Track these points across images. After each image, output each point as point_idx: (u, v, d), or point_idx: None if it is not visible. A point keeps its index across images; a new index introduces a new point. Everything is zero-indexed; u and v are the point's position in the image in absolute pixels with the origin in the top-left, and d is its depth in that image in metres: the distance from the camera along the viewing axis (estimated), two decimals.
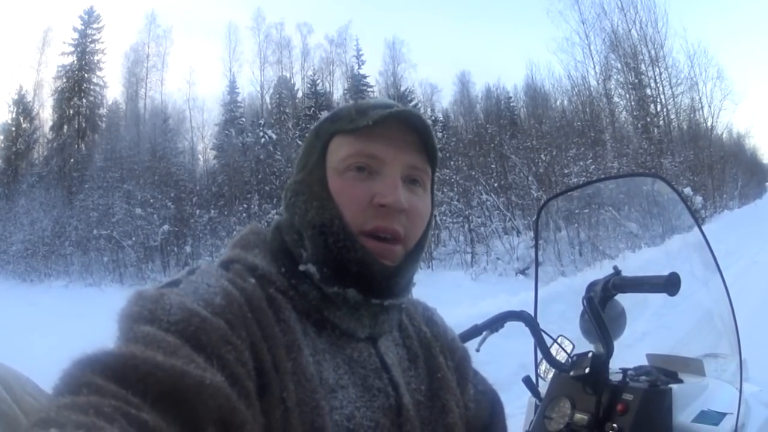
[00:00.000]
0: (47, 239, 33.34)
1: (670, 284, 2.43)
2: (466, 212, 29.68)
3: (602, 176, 29.04)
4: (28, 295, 26.43)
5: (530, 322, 2.88)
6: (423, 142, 1.54)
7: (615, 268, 2.74)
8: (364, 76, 67.40)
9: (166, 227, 30.87)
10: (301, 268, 1.47)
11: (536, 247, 3.89)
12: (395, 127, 1.49)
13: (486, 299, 12.11)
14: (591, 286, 2.71)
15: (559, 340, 2.95)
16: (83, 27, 53.49)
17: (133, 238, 30.58)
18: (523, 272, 26.35)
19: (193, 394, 1.00)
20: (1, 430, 1.38)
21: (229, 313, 1.24)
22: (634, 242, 26.49)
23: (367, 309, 1.50)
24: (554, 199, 4.79)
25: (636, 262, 17.28)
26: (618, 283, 2.65)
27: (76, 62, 52.05)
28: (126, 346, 1.05)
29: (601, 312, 2.55)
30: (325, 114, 1.64)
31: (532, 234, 28.40)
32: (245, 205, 33.96)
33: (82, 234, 32.04)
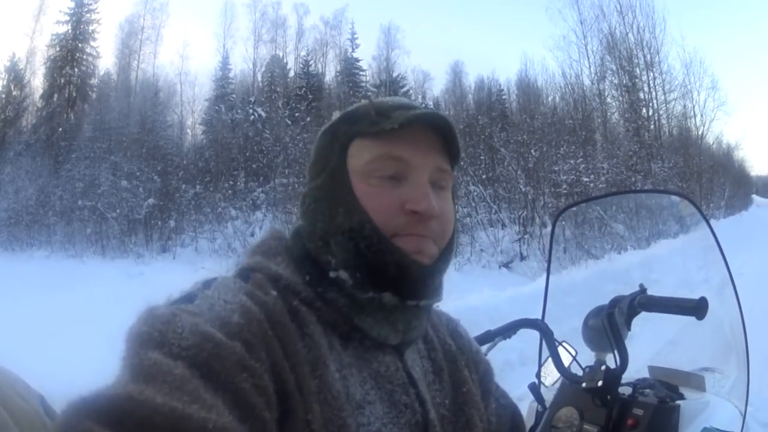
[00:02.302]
0: (31, 208, 33.22)
1: (699, 308, 2.41)
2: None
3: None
4: (9, 265, 26.37)
5: (545, 331, 2.84)
6: (446, 143, 1.51)
7: (641, 285, 2.69)
8: (357, 60, 67.50)
9: (151, 201, 30.85)
10: (332, 275, 1.42)
11: (549, 255, 3.83)
12: (419, 128, 1.47)
13: (473, 293, 12.08)
14: (615, 302, 2.66)
15: (564, 345, 2.92)
16: None
17: (118, 211, 30.49)
18: (506, 265, 26.50)
19: None
20: None
21: (247, 333, 1.19)
22: (619, 244, 26.66)
23: (403, 313, 1.47)
24: (570, 208, 4.77)
25: (620, 264, 17.40)
26: (644, 302, 2.62)
27: (70, 31, 51.66)
28: (124, 386, 1.00)
29: (621, 329, 2.54)
30: (336, 114, 1.60)
31: (517, 228, 28.58)
32: (231, 182, 33.81)
33: (66, 204, 32.00)
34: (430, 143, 1.48)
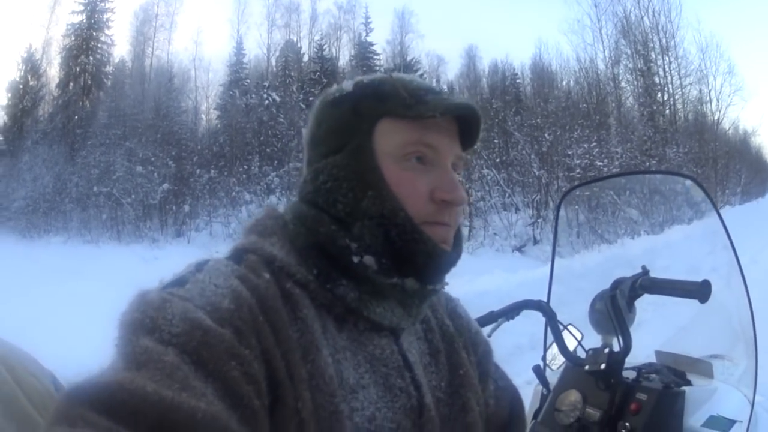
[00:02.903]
0: (48, 196, 33.16)
1: (702, 291, 2.39)
2: (466, 186, 29.06)
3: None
4: (28, 251, 26.41)
5: (548, 313, 2.85)
6: (464, 129, 1.51)
7: (643, 267, 2.67)
8: (371, 44, 66.85)
9: (165, 186, 30.80)
10: (355, 260, 1.39)
11: (555, 235, 3.84)
12: (449, 116, 1.45)
13: (484, 276, 12.09)
14: (617, 284, 2.65)
15: (569, 328, 2.92)
16: None
17: (133, 196, 30.46)
18: (519, 249, 26.51)
19: (183, 429, 0.97)
20: (3, 412, 1.37)
21: (237, 320, 1.19)
22: (633, 229, 26.58)
23: (420, 297, 1.47)
24: (576, 189, 4.75)
25: (633, 249, 17.31)
26: (646, 284, 2.60)
27: (85, 21, 51.44)
28: (116, 374, 1.02)
29: (624, 312, 2.54)
30: (348, 84, 1.53)
31: (530, 212, 28.50)
32: (245, 167, 33.72)
33: (82, 191, 31.96)
34: (453, 130, 1.49)
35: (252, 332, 1.19)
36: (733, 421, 2.58)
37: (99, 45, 52.19)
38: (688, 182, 3.55)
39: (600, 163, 30.23)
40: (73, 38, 50.65)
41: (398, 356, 1.46)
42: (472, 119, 1.48)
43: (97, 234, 29.71)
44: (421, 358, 1.55)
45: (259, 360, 1.17)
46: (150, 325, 1.11)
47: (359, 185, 1.41)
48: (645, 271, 2.64)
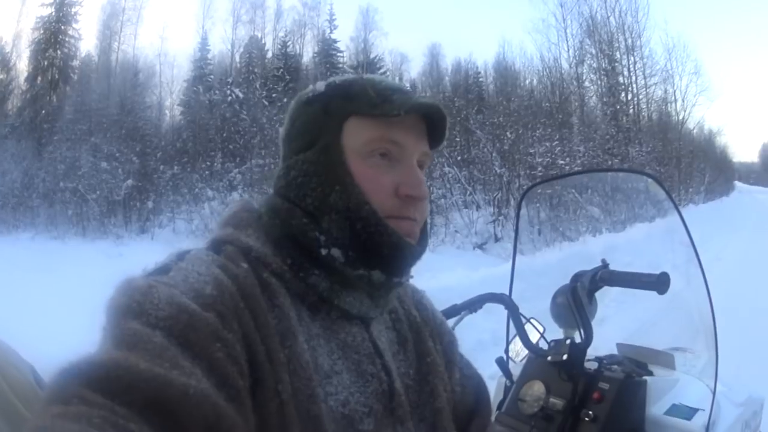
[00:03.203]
0: (17, 191, 32.70)
1: (660, 283, 2.47)
2: (428, 183, 28.76)
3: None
4: None
5: (510, 306, 2.88)
6: (431, 128, 1.57)
7: (603, 261, 2.76)
8: (335, 41, 66.95)
9: (129, 182, 30.42)
10: (323, 252, 1.44)
11: (516, 231, 3.93)
12: (414, 115, 1.51)
13: (445, 273, 12.10)
14: (577, 277, 2.73)
15: (532, 321, 2.99)
16: None
17: (98, 192, 30.02)
18: (480, 247, 26.39)
19: (176, 405, 1.00)
20: None
21: (220, 305, 1.24)
22: (595, 226, 26.67)
23: (386, 289, 1.53)
24: (536, 186, 4.83)
25: (596, 247, 17.39)
26: (606, 277, 2.68)
27: (53, 13, 50.60)
28: (110, 353, 1.06)
29: (585, 303, 2.60)
30: (321, 85, 1.59)
31: (491, 209, 28.48)
32: (208, 163, 33.45)
33: (48, 186, 31.45)
34: (420, 129, 1.54)
35: (234, 317, 1.24)
36: (696, 410, 2.64)
37: (67, 39, 51.58)
38: (649, 180, 3.62)
39: (562, 162, 30.22)
40: (41, 31, 49.98)
41: (369, 343, 1.51)
42: (438, 118, 1.54)
43: (63, 230, 29.23)
44: (390, 347, 1.60)
45: (241, 343, 1.22)
46: (137, 309, 1.15)
47: (327, 180, 1.47)
48: (605, 264, 2.72)
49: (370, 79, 1.57)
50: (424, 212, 1.56)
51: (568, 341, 2.57)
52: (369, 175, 1.47)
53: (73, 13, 51.54)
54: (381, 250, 1.46)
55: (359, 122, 1.49)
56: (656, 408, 2.63)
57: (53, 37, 50.01)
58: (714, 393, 2.65)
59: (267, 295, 1.37)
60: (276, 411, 1.24)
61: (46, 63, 49.41)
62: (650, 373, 2.78)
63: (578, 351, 2.52)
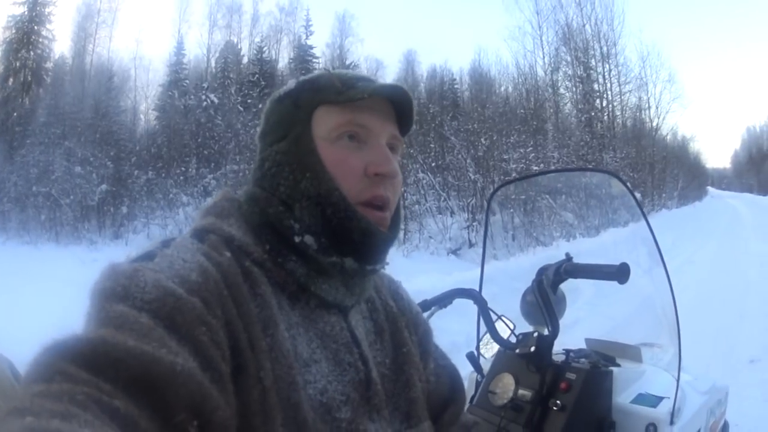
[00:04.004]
0: None
1: (621, 273, 2.51)
2: (402, 189, 28.74)
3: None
4: None
5: (479, 300, 2.94)
6: (401, 113, 1.62)
7: (567, 254, 2.83)
8: (311, 47, 67.00)
9: (104, 187, 30.21)
10: (296, 239, 1.48)
11: (486, 229, 3.93)
12: (380, 99, 1.56)
13: (419, 276, 12.13)
14: (542, 270, 2.80)
15: (503, 318, 3.04)
16: None
17: (71, 197, 29.80)
18: (455, 252, 26.34)
19: (163, 382, 1.01)
20: None
21: (205, 291, 1.25)
22: (569, 231, 26.78)
23: (360, 277, 1.57)
24: (505, 186, 4.85)
25: (570, 251, 17.55)
26: (570, 269, 2.74)
27: (26, 13, 49.65)
28: (96, 331, 1.06)
29: (550, 295, 2.66)
30: (293, 82, 1.65)
31: (465, 215, 28.49)
32: (183, 168, 33.05)
33: (21, 190, 31.17)
34: (387, 113, 1.58)
35: (218, 304, 1.26)
36: (661, 398, 2.71)
37: (40, 40, 51.07)
38: (612, 179, 3.67)
39: (536, 168, 30.14)
40: (14, 31, 49.41)
41: (347, 333, 1.54)
42: (404, 102, 1.59)
43: (36, 235, 28.99)
44: (367, 336, 1.64)
45: (224, 330, 1.23)
46: (122, 292, 1.15)
47: (298, 168, 1.51)
48: (568, 258, 2.79)
49: (336, 71, 1.62)
50: (396, 190, 1.60)
51: (535, 334, 2.63)
52: (338, 158, 1.51)
53: (46, 13, 50.69)
54: (352, 236, 1.49)
55: (327, 110, 1.55)
56: (623, 397, 2.70)
57: (26, 37, 49.27)
58: (678, 381, 2.72)
59: (249, 283, 1.39)
60: (258, 397, 1.26)
61: (18, 64, 48.71)
62: (617, 365, 2.85)
63: (545, 343, 2.58)
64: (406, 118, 1.63)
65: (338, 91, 1.54)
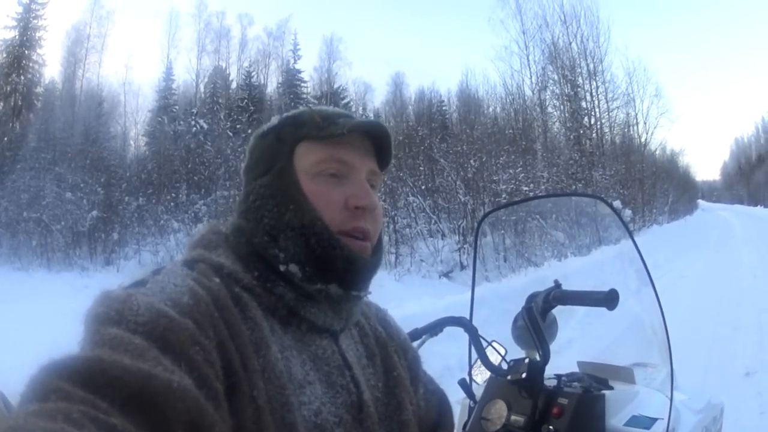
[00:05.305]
0: None
1: (609, 299, 2.51)
2: (392, 213, 29.10)
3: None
4: None
5: (469, 328, 2.96)
6: (379, 149, 1.66)
7: (556, 281, 2.81)
8: (299, 71, 67.27)
9: (95, 213, 30.12)
10: (282, 268, 1.52)
11: (474, 255, 3.97)
12: (359, 134, 1.61)
13: (411, 301, 12.11)
14: (532, 297, 2.81)
15: (493, 344, 3.03)
16: (27, 1, 51.37)
17: (62, 223, 29.69)
18: (446, 275, 26.28)
19: (161, 398, 1.01)
20: None
21: (196, 313, 1.27)
22: (560, 251, 26.79)
23: (346, 302, 1.61)
24: (494, 212, 4.88)
25: (561, 271, 17.52)
26: (558, 296, 2.73)
27: (17, 37, 49.78)
28: (92, 350, 1.08)
29: (540, 322, 2.65)
30: (276, 119, 1.72)
31: (457, 238, 28.46)
32: (173, 194, 33.08)
33: (11, 216, 31.10)
34: (367, 148, 1.63)
35: (209, 325, 1.28)
36: (655, 419, 2.71)
37: (31, 64, 50.90)
38: (599, 202, 3.70)
39: (526, 188, 30.26)
40: (5, 55, 49.24)
41: (338, 356, 1.57)
42: (383, 138, 1.63)
43: (27, 261, 28.85)
44: (359, 360, 1.67)
45: (216, 350, 1.25)
46: (116, 317, 1.17)
47: (282, 200, 1.56)
48: (557, 285, 2.78)
49: (318, 108, 1.68)
50: (376, 222, 1.64)
51: (527, 360, 2.63)
52: (320, 192, 1.56)
53: (37, 37, 50.74)
54: (335, 264, 1.54)
55: (309, 146, 1.60)
56: (616, 420, 2.69)
57: (17, 61, 49.12)
58: (671, 401, 2.73)
59: (240, 308, 1.41)
60: (252, 416, 1.27)
61: (9, 88, 48.58)
62: (610, 388, 2.85)
63: (537, 369, 2.58)
64: (384, 153, 1.67)
65: (319, 126, 1.60)
